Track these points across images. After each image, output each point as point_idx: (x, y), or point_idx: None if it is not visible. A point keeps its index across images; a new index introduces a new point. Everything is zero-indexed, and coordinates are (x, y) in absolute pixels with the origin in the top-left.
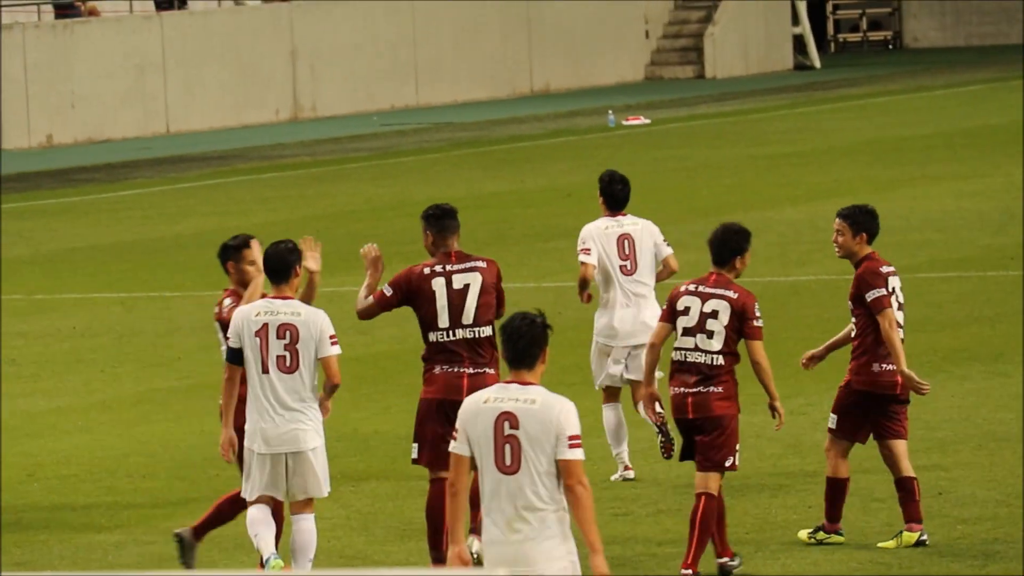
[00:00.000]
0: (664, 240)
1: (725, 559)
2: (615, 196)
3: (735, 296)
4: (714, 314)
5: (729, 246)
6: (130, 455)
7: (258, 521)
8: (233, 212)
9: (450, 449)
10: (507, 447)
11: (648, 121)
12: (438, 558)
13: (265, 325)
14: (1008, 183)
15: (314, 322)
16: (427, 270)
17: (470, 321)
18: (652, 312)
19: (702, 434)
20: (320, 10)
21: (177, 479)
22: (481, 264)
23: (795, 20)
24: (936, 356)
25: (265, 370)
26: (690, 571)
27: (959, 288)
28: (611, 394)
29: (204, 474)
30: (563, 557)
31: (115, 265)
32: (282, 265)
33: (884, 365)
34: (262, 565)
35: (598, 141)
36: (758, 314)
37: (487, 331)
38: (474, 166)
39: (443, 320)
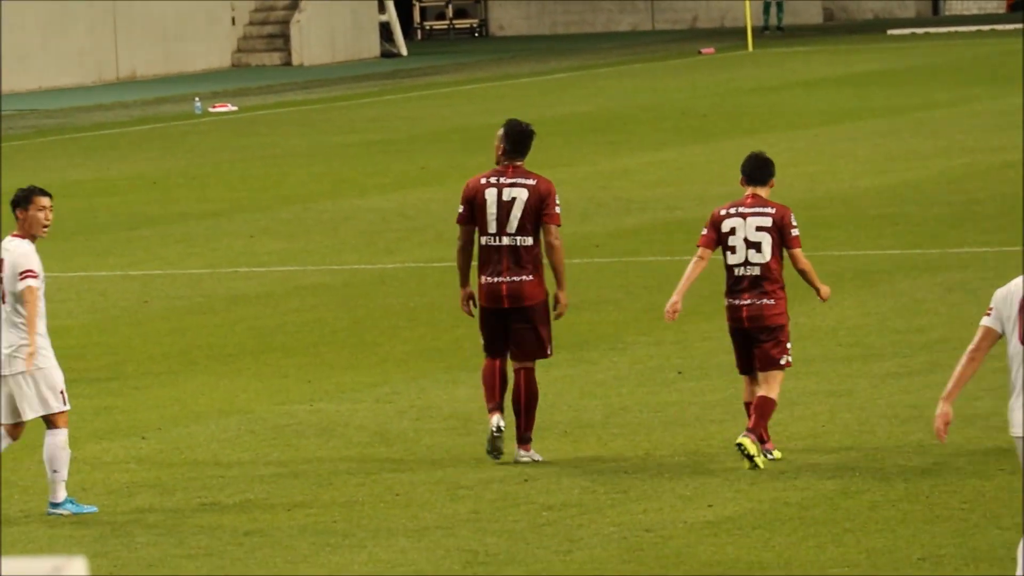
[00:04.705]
0: None
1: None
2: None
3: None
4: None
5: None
6: None
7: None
8: None
9: (981, 323)
10: None
11: (235, 108)
12: (493, 408)
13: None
14: (593, 171)
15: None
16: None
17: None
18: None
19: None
20: None
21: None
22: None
23: (381, 8)
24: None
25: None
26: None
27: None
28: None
29: None
30: None
31: None
32: None
33: None
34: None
35: (185, 128)
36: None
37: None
38: (59, 154)
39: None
